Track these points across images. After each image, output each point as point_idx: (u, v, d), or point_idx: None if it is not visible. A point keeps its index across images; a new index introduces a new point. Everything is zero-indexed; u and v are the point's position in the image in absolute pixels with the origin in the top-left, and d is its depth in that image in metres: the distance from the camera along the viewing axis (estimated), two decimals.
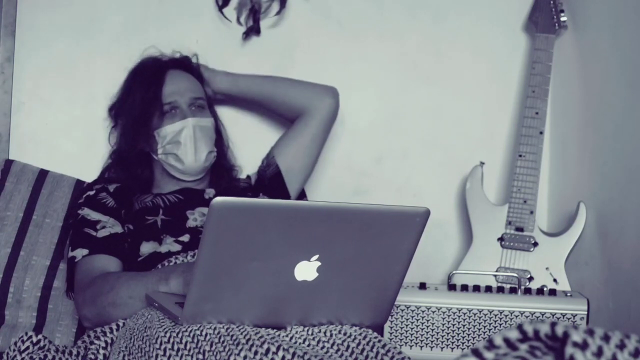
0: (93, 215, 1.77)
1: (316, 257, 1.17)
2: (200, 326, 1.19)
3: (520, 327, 0.78)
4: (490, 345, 0.78)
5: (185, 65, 1.98)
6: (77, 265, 1.71)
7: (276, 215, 1.12)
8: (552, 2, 2.12)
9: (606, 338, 0.76)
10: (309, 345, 1.21)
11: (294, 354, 1.11)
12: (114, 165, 1.94)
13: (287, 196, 1.97)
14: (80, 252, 1.71)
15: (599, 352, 0.75)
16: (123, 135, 1.93)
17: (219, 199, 1.11)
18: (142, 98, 1.86)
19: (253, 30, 2.18)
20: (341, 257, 1.19)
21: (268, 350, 1.10)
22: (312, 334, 1.24)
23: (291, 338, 1.22)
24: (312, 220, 1.15)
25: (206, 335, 1.17)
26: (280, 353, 1.10)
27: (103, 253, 1.71)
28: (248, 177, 2.02)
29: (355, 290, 1.23)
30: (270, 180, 1.98)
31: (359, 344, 1.21)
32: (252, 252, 1.14)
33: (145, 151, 1.89)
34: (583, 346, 0.74)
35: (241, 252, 1.14)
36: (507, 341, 0.78)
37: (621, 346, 0.77)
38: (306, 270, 1.18)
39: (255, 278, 1.16)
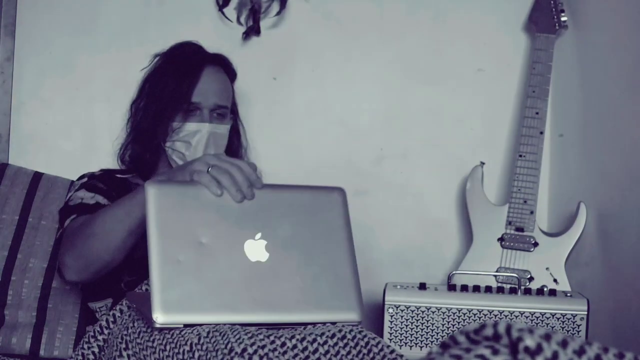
0: (82, 194, 1.74)
1: (259, 234, 1.22)
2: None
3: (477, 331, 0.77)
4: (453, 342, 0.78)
5: (224, 63, 1.92)
6: (64, 230, 1.66)
7: (208, 195, 1.23)
8: (552, 2, 2.12)
9: (564, 344, 0.75)
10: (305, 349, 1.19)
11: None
12: (132, 141, 1.89)
13: None
14: (68, 220, 1.67)
15: (554, 357, 0.74)
16: (144, 116, 1.87)
17: (150, 182, 1.21)
18: (173, 90, 1.81)
19: (253, 30, 2.18)
20: (283, 235, 1.24)
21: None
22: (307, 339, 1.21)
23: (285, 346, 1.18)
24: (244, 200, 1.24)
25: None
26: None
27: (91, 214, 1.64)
28: None
29: (310, 274, 1.25)
30: None
31: (354, 337, 1.19)
32: (197, 231, 1.19)
33: (157, 139, 1.83)
34: (536, 351, 0.73)
35: (187, 232, 1.19)
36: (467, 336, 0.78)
37: (580, 352, 0.75)
38: (256, 250, 1.22)
39: (209, 259, 1.19)
